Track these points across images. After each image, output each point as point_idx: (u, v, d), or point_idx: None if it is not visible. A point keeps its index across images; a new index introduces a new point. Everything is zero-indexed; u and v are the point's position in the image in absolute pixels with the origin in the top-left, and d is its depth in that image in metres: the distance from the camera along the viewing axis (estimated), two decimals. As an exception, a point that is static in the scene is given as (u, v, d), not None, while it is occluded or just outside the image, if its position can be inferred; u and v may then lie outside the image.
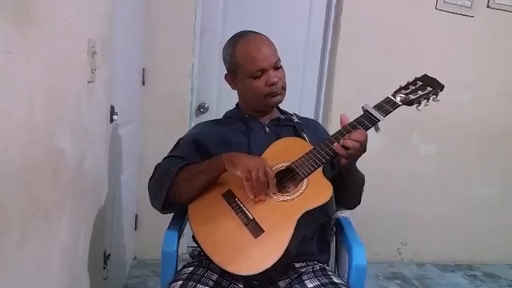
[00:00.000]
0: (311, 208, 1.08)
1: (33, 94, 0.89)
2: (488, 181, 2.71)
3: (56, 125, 1.03)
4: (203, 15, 2.35)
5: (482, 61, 2.54)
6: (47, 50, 0.95)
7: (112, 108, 1.58)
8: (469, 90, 2.56)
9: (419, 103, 1.18)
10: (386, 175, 2.47)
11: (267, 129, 1.33)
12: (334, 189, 1.13)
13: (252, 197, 1.09)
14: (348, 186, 1.26)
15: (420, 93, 1.18)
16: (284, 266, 1.09)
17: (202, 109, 2.45)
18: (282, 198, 1.12)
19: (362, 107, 1.17)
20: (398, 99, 1.17)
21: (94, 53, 1.27)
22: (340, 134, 1.16)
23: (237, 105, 1.42)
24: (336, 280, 1.14)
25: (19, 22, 0.81)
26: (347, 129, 1.15)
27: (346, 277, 1.23)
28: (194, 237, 1.15)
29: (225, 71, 1.36)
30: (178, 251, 1.24)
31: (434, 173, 2.63)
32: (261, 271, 1.02)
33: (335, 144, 1.11)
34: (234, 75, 1.32)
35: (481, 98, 2.59)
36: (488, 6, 2.47)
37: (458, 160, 2.65)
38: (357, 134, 1.10)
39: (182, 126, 2.26)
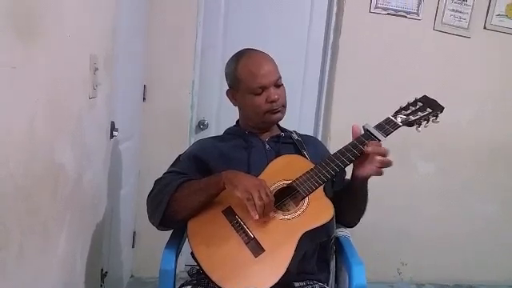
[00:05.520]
0: (312, 227, 1.08)
1: (35, 108, 0.90)
2: (489, 199, 2.69)
3: (57, 140, 1.03)
4: (204, 33, 2.38)
5: (480, 81, 2.56)
6: (50, 66, 0.96)
7: (113, 124, 1.58)
8: (467, 109, 2.58)
9: (419, 124, 1.19)
10: (385, 194, 2.45)
11: (267, 146, 1.33)
12: (334, 207, 1.13)
13: (256, 217, 1.08)
14: (356, 202, 1.25)
15: (420, 114, 1.19)
16: (283, 284, 1.07)
17: (201, 125, 2.46)
18: (282, 217, 1.12)
19: (363, 127, 1.18)
20: (398, 120, 1.18)
21: (96, 69, 1.28)
22: (342, 154, 1.16)
23: (237, 122, 1.43)
24: (336, 300, 1.13)
25: (23, 38, 0.82)
26: (348, 148, 1.16)
27: (345, 297, 1.22)
28: (192, 254, 1.14)
29: (226, 88, 1.38)
30: (175, 269, 1.23)
31: (434, 191, 2.63)
32: (260, 291, 1.01)
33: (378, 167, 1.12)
34: (235, 91, 1.33)
35: (479, 117, 2.60)
36: (485, 28, 2.51)
37: (457, 178, 2.64)
38: (382, 149, 1.12)
39: (181, 142, 2.26)
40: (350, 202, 1.24)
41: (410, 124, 1.18)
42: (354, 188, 1.21)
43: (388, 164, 1.13)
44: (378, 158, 1.12)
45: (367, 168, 1.14)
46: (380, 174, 1.13)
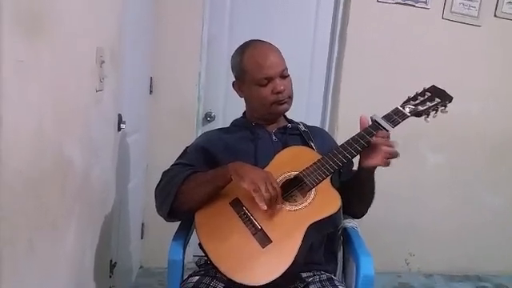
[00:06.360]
0: (319, 218, 1.08)
1: (41, 102, 0.90)
2: (496, 191, 2.67)
3: (64, 133, 1.04)
4: (210, 25, 2.37)
5: (490, 70, 2.53)
6: (56, 59, 0.96)
7: (120, 117, 1.59)
8: (477, 99, 2.54)
9: (428, 114, 1.18)
10: (393, 184, 2.44)
11: (274, 137, 1.33)
12: (341, 198, 1.13)
13: (265, 208, 1.08)
14: (363, 193, 1.25)
15: (429, 104, 1.18)
16: (291, 275, 1.08)
17: (208, 117, 2.46)
18: (289, 208, 1.12)
19: (371, 117, 1.17)
20: (406, 110, 1.17)
21: (103, 62, 1.28)
22: (349, 145, 1.15)
23: (244, 113, 1.43)
24: (343, 290, 1.13)
25: (29, 32, 0.83)
26: (356, 139, 1.15)
27: (353, 287, 1.22)
28: (200, 245, 1.14)
29: (232, 80, 1.37)
30: (184, 260, 1.24)
31: (442, 182, 2.61)
32: (268, 282, 1.01)
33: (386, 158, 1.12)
34: (241, 82, 1.33)
35: (489, 108, 2.57)
36: (495, 15, 2.46)
37: (466, 170, 2.62)
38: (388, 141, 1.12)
39: (188, 134, 2.27)
40: (357, 192, 1.24)
41: (418, 114, 1.18)
42: (360, 179, 1.21)
43: (395, 155, 1.12)
44: (385, 148, 1.11)
45: (374, 159, 1.13)
46: (387, 164, 1.12)
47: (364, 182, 1.22)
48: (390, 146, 1.12)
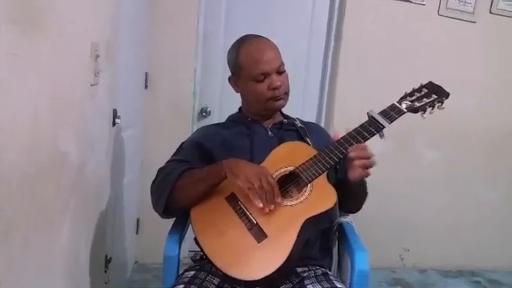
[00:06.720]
0: (315, 214, 1.08)
1: (37, 96, 0.89)
2: (492, 187, 2.69)
3: (59, 128, 1.03)
4: (206, 19, 2.36)
5: (486, 66, 2.54)
6: (51, 53, 0.95)
7: (115, 111, 1.58)
8: (473, 95, 2.55)
9: (424, 111, 1.18)
10: (389, 180, 2.46)
11: (270, 133, 1.33)
12: (337, 193, 1.13)
13: (260, 205, 1.07)
14: (354, 192, 1.25)
15: (425, 100, 1.18)
16: (286, 270, 1.08)
17: (204, 113, 2.45)
18: (285, 203, 1.12)
19: (367, 113, 1.17)
20: (403, 106, 1.17)
21: (98, 56, 1.27)
22: (345, 141, 1.16)
23: (240, 109, 1.42)
24: (338, 285, 1.14)
25: (25, 25, 0.82)
26: (353, 135, 1.16)
27: (348, 282, 1.22)
28: (196, 240, 1.14)
29: (228, 75, 1.37)
30: (179, 255, 1.24)
31: (438, 178, 2.62)
32: (263, 277, 1.01)
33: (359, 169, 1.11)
34: (238, 78, 1.32)
35: (485, 104, 2.58)
36: (490, 12, 2.47)
37: (461, 166, 2.63)
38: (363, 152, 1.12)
39: (184, 130, 2.26)
40: (350, 192, 1.24)
41: (414, 110, 1.18)
42: (350, 184, 1.20)
43: (370, 165, 1.12)
44: (359, 162, 1.11)
45: (352, 173, 1.13)
46: (367, 175, 1.13)
47: (353, 186, 1.21)
48: (364, 157, 1.11)
